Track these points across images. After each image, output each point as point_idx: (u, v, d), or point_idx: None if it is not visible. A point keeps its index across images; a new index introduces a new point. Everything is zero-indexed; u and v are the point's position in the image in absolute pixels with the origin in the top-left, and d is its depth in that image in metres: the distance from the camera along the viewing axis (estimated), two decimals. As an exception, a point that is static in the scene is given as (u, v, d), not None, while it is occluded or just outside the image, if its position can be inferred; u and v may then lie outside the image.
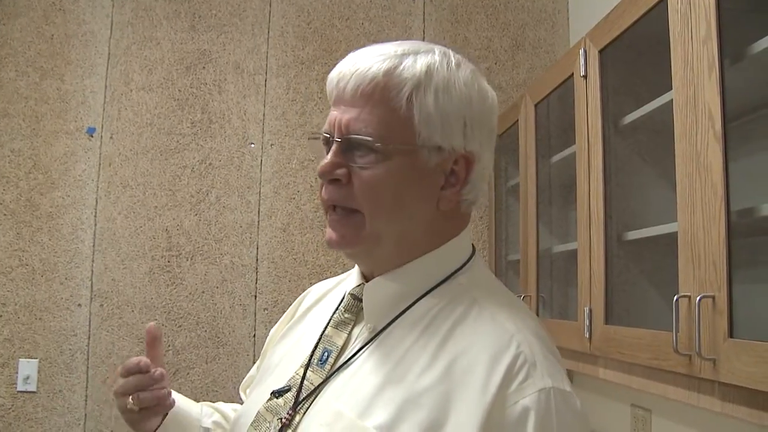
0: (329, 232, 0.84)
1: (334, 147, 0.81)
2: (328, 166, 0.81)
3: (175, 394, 1.01)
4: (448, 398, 0.72)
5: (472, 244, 0.91)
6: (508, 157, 2.53)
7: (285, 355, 0.96)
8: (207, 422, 1.05)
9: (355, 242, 0.83)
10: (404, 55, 0.81)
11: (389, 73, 0.79)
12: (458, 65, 0.83)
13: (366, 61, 0.81)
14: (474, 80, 0.84)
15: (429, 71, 0.80)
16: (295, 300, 1.10)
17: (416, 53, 0.81)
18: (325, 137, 0.84)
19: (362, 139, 0.79)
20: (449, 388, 0.73)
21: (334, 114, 0.82)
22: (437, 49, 0.84)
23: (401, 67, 0.80)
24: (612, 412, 2.06)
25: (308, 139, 0.89)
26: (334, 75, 0.83)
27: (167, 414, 0.99)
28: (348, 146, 0.81)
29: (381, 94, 0.79)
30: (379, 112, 0.79)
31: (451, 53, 0.84)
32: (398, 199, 0.81)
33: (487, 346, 0.75)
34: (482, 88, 0.85)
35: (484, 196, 0.90)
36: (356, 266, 0.93)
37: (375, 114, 0.79)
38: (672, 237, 1.28)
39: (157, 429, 0.98)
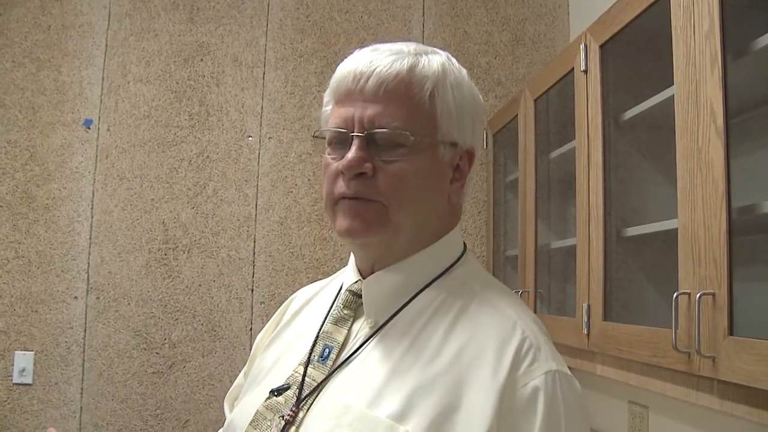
0: (346, 221, 0.82)
1: (357, 142, 0.81)
2: (355, 161, 0.80)
3: None
4: (460, 384, 0.74)
5: (464, 242, 0.93)
6: (507, 152, 2.53)
7: (279, 357, 0.95)
8: None
9: (378, 230, 0.82)
10: (418, 54, 0.84)
11: (412, 70, 0.82)
12: (458, 65, 0.88)
13: (384, 59, 0.82)
14: (469, 79, 0.89)
15: (444, 69, 0.84)
16: (289, 296, 1.09)
17: (426, 53, 0.85)
18: (341, 133, 0.83)
19: (396, 132, 0.80)
20: (459, 374, 0.74)
21: (350, 110, 0.82)
22: (439, 50, 0.88)
23: (421, 65, 0.83)
24: (609, 409, 2.06)
25: (313, 137, 0.90)
26: (347, 72, 0.83)
27: None
28: (371, 140, 0.81)
29: (406, 89, 0.82)
30: (406, 107, 0.81)
31: (449, 54, 0.89)
32: (421, 192, 0.83)
33: (493, 333, 0.77)
34: (475, 87, 0.90)
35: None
36: (350, 263, 0.93)
37: (402, 109, 0.81)
38: (671, 234, 1.27)
39: None
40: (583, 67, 1.69)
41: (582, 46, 1.69)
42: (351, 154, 0.81)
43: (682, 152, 1.22)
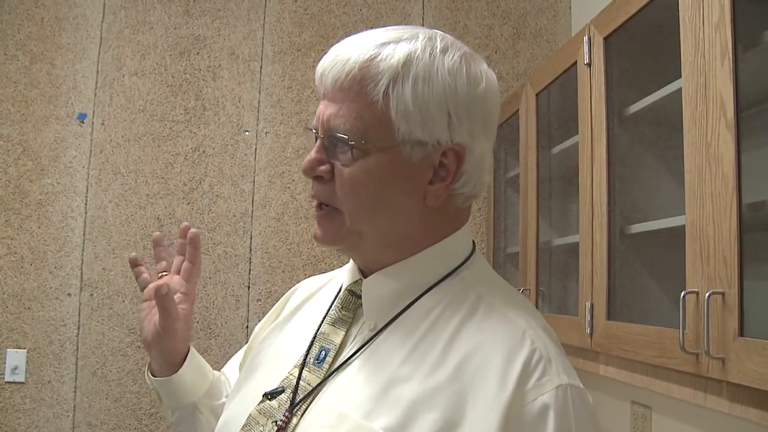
0: (316, 228, 0.83)
1: (317, 143, 0.80)
2: (309, 163, 0.80)
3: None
4: (463, 397, 0.69)
5: (473, 241, 0.87)
6: (508, 148, 2.49)
7: (275, 354, 0.91)
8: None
9: (336, 240, 0.81)
10: (384, 44, 0.76)
11: (365, 66, 0.75)
12: (444, 51, 0.77)
13: (345, 53, 0.77)
14: (462, 66, 0.77)
15: (408, 61, 0.75)
16: (286, 293, 1.05)
17: (398, 41, 0.76)
18: (314, 132, 0.82)
19: (340, 137, 0.76)
20: (463, 386, 0.70)
21: (320, 108, 0.80)
22: (422, 35, 0.78)
23: (378, 58, 0.75)
24: (611, 410, 2.02)
25: (304, 129, 0.88)
26: (319, 67, 0.81)
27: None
28: (330, 142, 0.78)
29: (358, 88, 0.76)
30: (356, 108, 0.76)
31: (438, 38, 0.79)
32: (379, 197, 0.78)
33: (500, 343, 0.72)
34: (472, 74, 0.78)
35: (484, 188, 0.85)
36: (351, 261, 0.89)
37: (352, 109, 0.76)
38: (677, 231, 1.24)
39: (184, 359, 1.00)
40: (586, 60, 1.65)
41: (586, 39, 1.66)
42: (309, 155, 0.80)
43: (691, 147, 1.19)
